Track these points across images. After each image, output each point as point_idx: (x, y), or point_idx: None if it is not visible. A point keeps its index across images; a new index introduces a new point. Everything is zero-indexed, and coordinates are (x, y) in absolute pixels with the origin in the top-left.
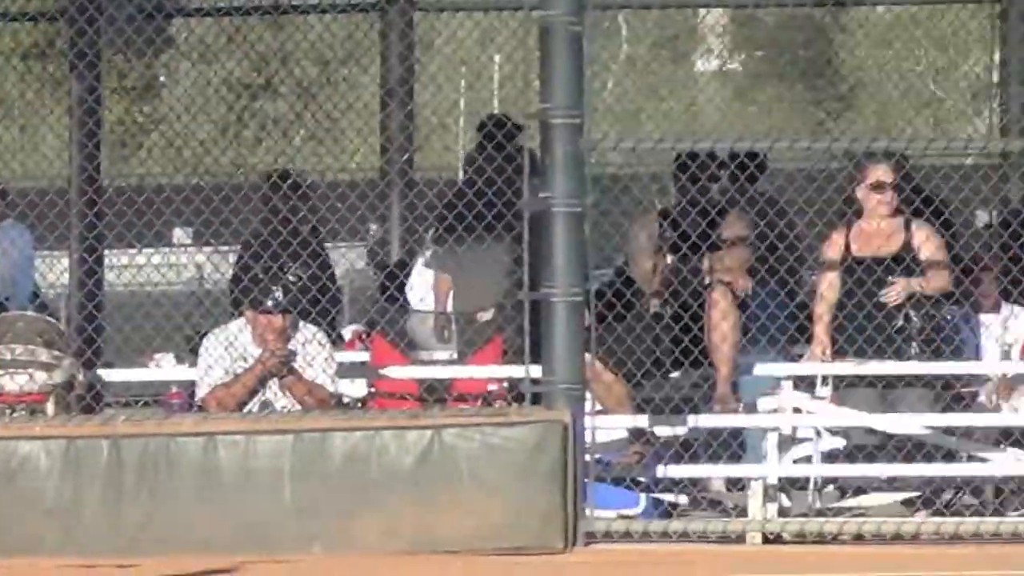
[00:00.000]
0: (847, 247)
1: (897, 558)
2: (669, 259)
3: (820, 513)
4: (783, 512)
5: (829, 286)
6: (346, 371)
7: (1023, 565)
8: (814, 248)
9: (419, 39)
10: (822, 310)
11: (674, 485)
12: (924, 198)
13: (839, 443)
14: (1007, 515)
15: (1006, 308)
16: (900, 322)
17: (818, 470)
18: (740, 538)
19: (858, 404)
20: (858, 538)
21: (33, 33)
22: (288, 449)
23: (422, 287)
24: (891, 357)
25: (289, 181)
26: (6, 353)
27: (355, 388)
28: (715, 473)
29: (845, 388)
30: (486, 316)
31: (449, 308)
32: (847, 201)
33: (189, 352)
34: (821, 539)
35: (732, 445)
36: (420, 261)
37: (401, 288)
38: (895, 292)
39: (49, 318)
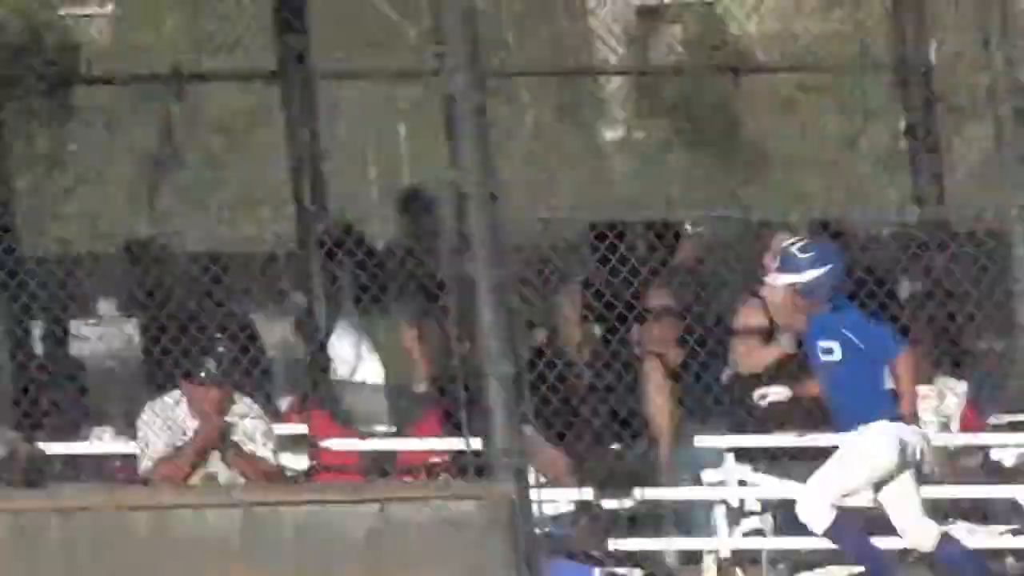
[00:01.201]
0: None
1: None
2: (596, 329)
3: None
4: None
5: None
6: (284, 444)
7: None
8: None
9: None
10: None
11: (628, 558)
12: None
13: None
14: None
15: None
16: None
17: (770, 543)
18: None
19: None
20: None
21: None
22: (238, 523)
23: (348, 356)
24: None
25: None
26: None
27: (296, 461)
28: (668, 546)
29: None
30: (422, 388)
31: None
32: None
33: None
34: None
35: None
36: (339, 329)
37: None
38: None
39: None
